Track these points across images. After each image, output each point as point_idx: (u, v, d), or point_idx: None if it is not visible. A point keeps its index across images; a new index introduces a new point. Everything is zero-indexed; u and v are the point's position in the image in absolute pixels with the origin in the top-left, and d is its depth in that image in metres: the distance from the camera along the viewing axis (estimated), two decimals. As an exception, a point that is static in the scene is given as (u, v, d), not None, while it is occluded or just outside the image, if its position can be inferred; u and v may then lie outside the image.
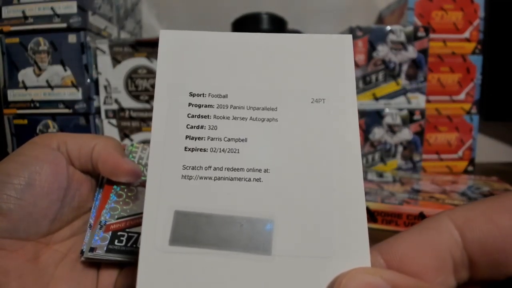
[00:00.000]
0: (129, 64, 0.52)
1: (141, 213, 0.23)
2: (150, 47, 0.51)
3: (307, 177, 0.15)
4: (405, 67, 0.55)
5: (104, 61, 0.52)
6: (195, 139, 0.15)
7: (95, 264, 0.22)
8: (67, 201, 0.22)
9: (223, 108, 0.15)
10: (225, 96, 0.16)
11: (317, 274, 0.13)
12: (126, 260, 0.21)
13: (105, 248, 0.21)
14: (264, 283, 0.13)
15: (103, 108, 0.53)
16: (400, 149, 0.56)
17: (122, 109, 0.53)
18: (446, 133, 0.59)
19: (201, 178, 0.14)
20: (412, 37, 0.54)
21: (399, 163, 0.56)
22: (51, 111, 0.51)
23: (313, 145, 0.15)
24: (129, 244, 0.22)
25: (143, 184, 0.25)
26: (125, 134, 0.53)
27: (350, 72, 0.16)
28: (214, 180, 0.14)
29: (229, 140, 0.15)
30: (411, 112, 0.55)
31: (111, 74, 0.52)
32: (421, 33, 0.54)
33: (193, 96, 0.16)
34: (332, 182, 0.15)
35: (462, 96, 0.59)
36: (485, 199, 0.15)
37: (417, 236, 0.15)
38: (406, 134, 0.56)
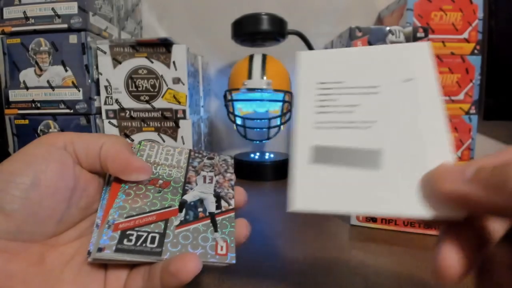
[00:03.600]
0: (129, 64, 0.51)
1: (151, 211, 0.23)
2: (150, 47, 0.51)
3: (403, 125, 0.21)
4: (404, 68, 0.55)
5: (104, 61, 0.51)
6: (323, 107, 0.23)
7: (103, 266, 0.21)
8: (74, 202, 0.21)
9: (341, 88, 0.23)
10: (341, 82, 0.23)
11: (416, 173, 0.19)
12: (136, 260, 0.21)
13: (114, 248, 0.20)
14: (378, 186, 0.19)
15: (103, 108, 0.53)
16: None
17: (122, 109, 0.53)
18: (445, 133, 0.60)
19: (329, 128, 0.22)
20: (411, 38, 0.54)
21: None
22: (52, 111, 0.51)
23: (405, 106, 0.21)
24: (138, 244, 0.21)
25: (151, 183, 0.25)
26: (125, 134, 0.53)
27: (431, 63, 0.22)
28: (337, 128, 0.22)
29: (346, 106, 0.22)
30: (411, 112, 0.56)
31: (112, 75, 0.52)
32: (420, 34, 0.54)
33: (321, 84, 0.24)
34: (420, 126, 0.20)
35: (461, 96, 0.59)
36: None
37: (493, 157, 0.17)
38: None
